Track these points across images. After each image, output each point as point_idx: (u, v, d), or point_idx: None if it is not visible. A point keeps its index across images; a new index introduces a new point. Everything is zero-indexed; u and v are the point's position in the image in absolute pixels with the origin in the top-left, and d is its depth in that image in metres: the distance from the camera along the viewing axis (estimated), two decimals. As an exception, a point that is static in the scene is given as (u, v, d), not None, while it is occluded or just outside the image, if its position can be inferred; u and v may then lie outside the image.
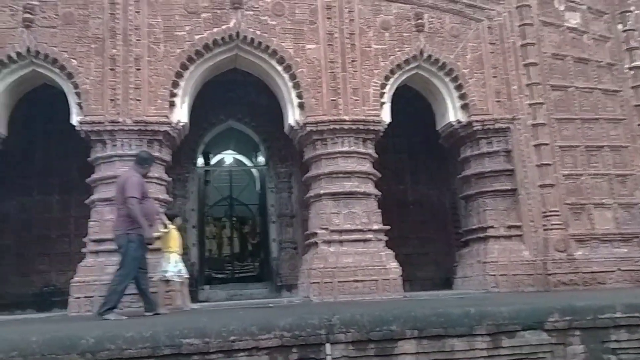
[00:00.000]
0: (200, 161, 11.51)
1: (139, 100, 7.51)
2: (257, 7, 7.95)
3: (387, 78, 8.20)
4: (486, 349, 4.73)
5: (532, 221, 8.21)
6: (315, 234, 7.85)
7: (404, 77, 8.49)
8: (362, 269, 7.50)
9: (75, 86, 7.49)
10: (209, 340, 4.19)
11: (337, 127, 7.89)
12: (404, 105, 8.72)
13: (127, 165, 7.30)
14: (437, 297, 7.50)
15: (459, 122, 8.59)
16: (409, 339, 4.60)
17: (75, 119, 7.53)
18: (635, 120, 8.82)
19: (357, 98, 7.99)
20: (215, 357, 4.21)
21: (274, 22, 7.96)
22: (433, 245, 10.92)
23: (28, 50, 7.44)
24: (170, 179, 8.02)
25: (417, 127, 10.12)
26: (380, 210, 7.98)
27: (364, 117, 7.98)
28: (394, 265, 7.65)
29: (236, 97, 10.55)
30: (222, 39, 7.84)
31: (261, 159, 11.97)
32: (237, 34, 7.84)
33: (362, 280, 7.45)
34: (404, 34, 8.33)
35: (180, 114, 7.79)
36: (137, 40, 7.61)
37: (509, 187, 8.41)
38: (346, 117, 7.90)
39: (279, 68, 8.02)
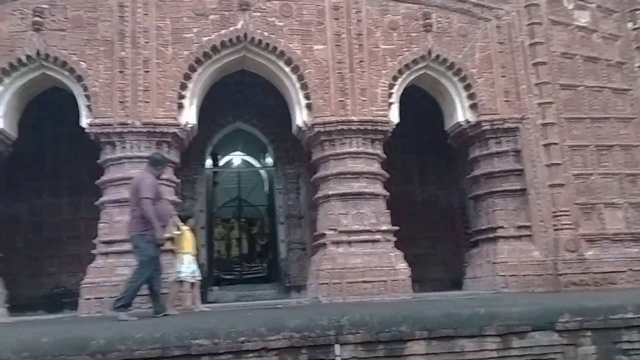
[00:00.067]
0: (208, 163, 11.53)
1: (147, 102, 7.54)
2: (265, 9, 7.97)
3: (395, 78, 8.19)
4: (496, 350, 4.71)
5: (542, 221, 8.16)
6: (323, 235, 7.85)
7: (412, 77, 8.47)
8: (371, 269, 7.48)
9: (85, 89, 7.53)
10: (218, 341, 4.21)
11: (345, 127, 7.89)
12: (412, 105, 8.70)
13: (136, 167, 7.36)
14: (446, 297, 7.47)
15: (468, 122, 8.56)
16: (418, 339, 4.59)
17: (84, 121, 7.58)
18: (646, 119, 8.76)
19: (365, 98, 7.98)
20: (224, 358, 4.22)
21: (281, 24, 7.97)
22: (442, 246, 10.88)
23: (38, 53, 7.50)
24: (179, 180, 8.05)
25: (425, 127, 10.10)
26: (388, 210, 7.96)
27: (372, 118, 7.97)
28: (402, 265, 7.63)
29: (244, 99, 10.57)
30: (230, 40, 7.86)
31: (269, 160, 11.98)
32: (245, 35, 7.86)
33: (371, 281, 7.44)
34: (412, 34, 8.31)
35: (189, 116, 7.82)
36: (146, 42, 7.65)
37: (518, 187, 8.37)
38: (354, 118, 7.89)
39: (287, 69, 8.03)
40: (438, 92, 8.93)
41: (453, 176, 11.08)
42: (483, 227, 8.64)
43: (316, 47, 7.99)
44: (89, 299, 6.99)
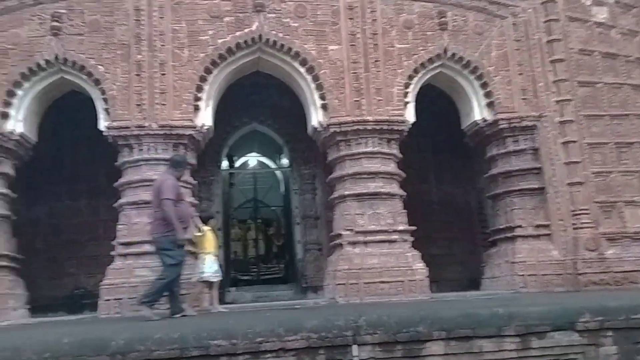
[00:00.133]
0: (224, 164, 11.59)
1: (164, 104, 7.60)
2: (279, 10, 7.98)
3: (410, 77, 8.15)
4: (515, 350, 4.67)
5: (562, 220, 8.07)
6: (339, 235, 7.84)
7: (428, 76, 8.43)
8: (388, 270, 7.46)
9: (103, 92, 7.61)
10: (236, 342, 4.22)
11: (361, 127, 7.87)
12: (428, 104, 8.65)
13: (153, 169, 7.43)
14: (464, 297, 7.42)
15: (485, 120, 8.50)
16: (436, 340, 4.56)
17: (102, 124, 7.66)
18: (667, 116, 8.61)
19: (381, 98, 7.95)
20: (242, 359, 4.24)
21: (296, 24, 7.98)
22: (459, 246, 10.81)
23: (56, 57, 7.59)
24: (195, 182, 8.10)
25: (440, 125, 10.04)
26: (405, 210, 7.93)
27: (387, 117, 7.94)
28: (420, 266, 7.60)
29: (259, 100, 10.61)
30: (245, 42, 7.89)
31: (285, 161, 12.00)
32: (260, 36, 7.88)
33: (388, 282, 7.41)
34: (428, 33, 8.27)
35: (205, 118, 7.86)
36: (162, 45, 7.70)
37: (536, 186, 8.28)
38: (370, 118, 7.88)
39: (302, 70, 8.03)
40: (454, 91, 8.87)
41: (469, 175, 11.00)
42: (501, 227, 8.56)
43: (331, 47, 7.98)
44: (108, 300, 7.06)
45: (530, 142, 8.41)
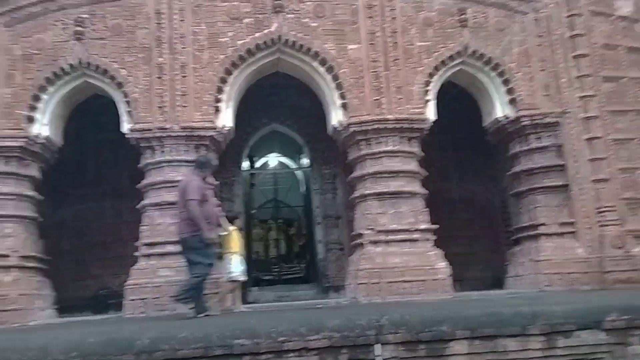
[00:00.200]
0: (245, 165, 11.65)
1: (185, 106, 7.67)
2: (298, 10, 8.00)
3: (431, 75, 8.10)
4: (541, 349, 4.61)
5: (587, 217, 7.94)
6: (361, 235, 7.83)
7: (448, 74, 8.36)
8: (410, 269, 7.42)
9: (125, 95, 7.71)
10: (259, 341, 4.24)
11: (381, 126, 7.85)
12: (449, 102, 8.59)
13: (175, 171, 7.51)
14: (487, 296, 7.35)
15: (507, 117, 8.41)
16: (460, 339, 4.52)
17: (125, 126, 7.76)
18: (695, 110, 8.41)
19: (401, 96, 7.92)
20: (265, 358, 4.26)
21: (315, 24, 7.99)
22: (481, 244, 10.71)
23: (80, 62, 7.71)
24: (217, 182, 8.16)
25: (461, 123, 9.95)
26: (427, 209, 7.89)
27: (408, 116, 7.91)
28: (442, 265, 7.55)
29: (278, 101, 10.64)
30: (265, 43, 7.92)
31: (305, 161, 12.02)
32: (279, 37, 7.91)
33: (410, 281, 7.38)
34: (448, 30, 8.21)
35: (225, 119, 7.92)
36: (182, 48, 7.78)
37: (560, 183, 8.17)
38: (390, 116, 7.85)
39: (321, 69, 8.04)
40: (475, 88, 8.80)
41: (491, 173, 10.88)
42: (524, 225, 8.46)
43: (350, 46, 7.97)
44: (132, 299, 7.16)
45: (554, 138, 8.30)
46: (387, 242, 7.65)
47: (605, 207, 7.88)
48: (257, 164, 13.73)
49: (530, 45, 8.35)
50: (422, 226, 7.74)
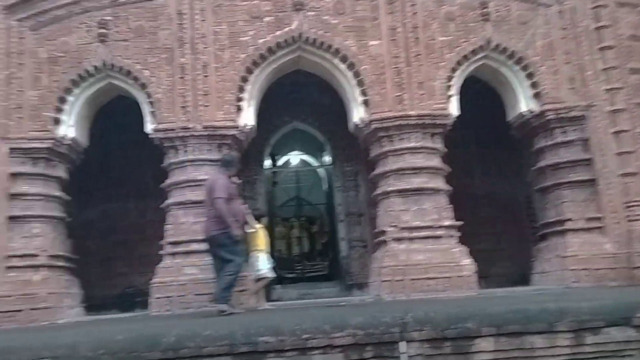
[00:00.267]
0: (267, 163, 11.70)
1: (207, 106, 7.72)
2: (319, 7, 7.98)
3: (453, 70, 8.01)
4: (569, 346, 4.54)
5: (614, 212, 7.77)
6: (384, 232, 7.79)
7: (471, 68, 8.26)
8: (434, 266, 7.36)
9: (148, 96, 7.79)
10: (283, 339, 4.26)
11: (403, 122, 7.80)
12: (472, 97, 8.50)
13: (198, 170, 7.58)
14: (513, 293, 7.27)
15: (531, 112, 8.28)
16: (485, 336, 4.48)
17: (149, 127, 7.84)
18: None
19: (423, 92, 7.85)
20: (290, 355, 4.27)
21: (335, 21, 7.97)
22: (506, 240, 10.58)
23: (104, 63, 7.81)
24: (240, 181, 8.20)
25: (484, 118, 9.82)
26: (451, 205, 7.82)
27: (430, 112, 7.84)
28: (467, 261, 7.47)
29: (299, 98, 10.65)
30: (285, 41, 7.93)
31: (327, 159, 12.02)
32: (300, 35, 7.91)
33: (434, 278, 7.32)
34: (470, 24, 8.11)
35: (247, 118, 7.95)
36: (204, 47, 7.82)
37: (587, 178, 8.02)
38: (412, 112, 7.79)
39: (342, 66, 8.01)
40: (499, 83, 8.68)
41: (515, 168, 10.73)
42: (551, 220, 8.33)
43: (371, 42, 7.93)
44: (158, 297, 7.24)
45: (579, 132, 8.15)
46: (410, 239, 7.60)
47: (634, 201, 7.71)
48: (279, 162, 13.78)
49: (554, 38, 8.21)
50: (446, 223, 7.68)
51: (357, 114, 8.06)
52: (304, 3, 7.92)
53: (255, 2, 7.96)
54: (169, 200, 7.74)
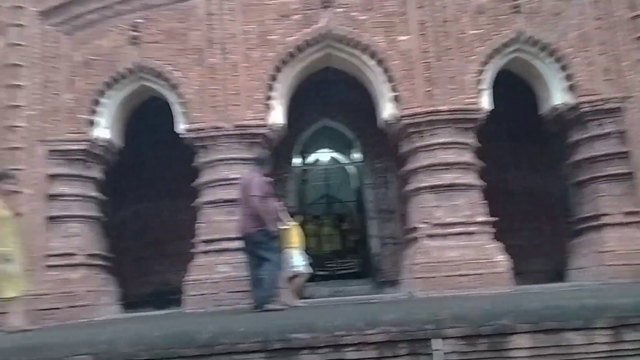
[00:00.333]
0: (297, 161, 11.73)
1: (237, 105, 7.79)
2: (347, 4, 7.97)
3: (484, 64, 7.90)
4: (607, 343, 4.42)
5: (654, 206, 7.58)
6: (415, 229, 7.74)
7: (503, 62, 8.13)
8: (467, 262, 7.29)
9: (179, 96, 7.90)
10: (317, 335, 4.26)
11: (434, 118, 7.73)
12: (504, 90, 8.36)
13: (229, 169, 7.66)
14: (548, 289, 7.12)
15: (565, 104, 8.10)
16: (521, 333, 4.41)
17: (180, 127, 7.96)
18: None
19: (454, 87, 7.76)
20: (323, 352, 4.27)
21: (364, 17, 7.94)
22: (541, 236, 10.37)
23: (136, 66, 7.96)
24: (271, 179, 8.24)
25: (516, 111, 9.64)
26: (485, 201, 7.71)
27: (461, 106, 7.75)
28: (501, 258, 7.37)
29: (328, 96, 10.64)
30: (314, 39, 7.94)
31: (356, 156, 11.98)
32: (328, 32, 7.91)
33: (467, 274, 7.24)
34: (500, 17, 7.97)
35: (277, 116, 7.99)
36: (233, 47, 7.89)
37: (624, 171, 7.81)
38: (443, 107, 7.71)
39: (371, 62, 7.98)
40: (531, 76, 8.52)
41: (547, 162, 10.52)
42: (587, 215, 8.14)
43: (400, 38, 7.87)
44: (192, 295, 7.35)
45: (616, 125, 7.93)
46: (443, 235, 7.53)
47: (674, 195, 7.49)
48: (309, 160, 13.79)
49: (588, 29, 8.01)
50: (479, 219, 7.58)
51: (387, 110, 8.02)
52: (332, 0, 7.91)
53: (283, 0, 7.99)
54: (201, 199, 7.84)
